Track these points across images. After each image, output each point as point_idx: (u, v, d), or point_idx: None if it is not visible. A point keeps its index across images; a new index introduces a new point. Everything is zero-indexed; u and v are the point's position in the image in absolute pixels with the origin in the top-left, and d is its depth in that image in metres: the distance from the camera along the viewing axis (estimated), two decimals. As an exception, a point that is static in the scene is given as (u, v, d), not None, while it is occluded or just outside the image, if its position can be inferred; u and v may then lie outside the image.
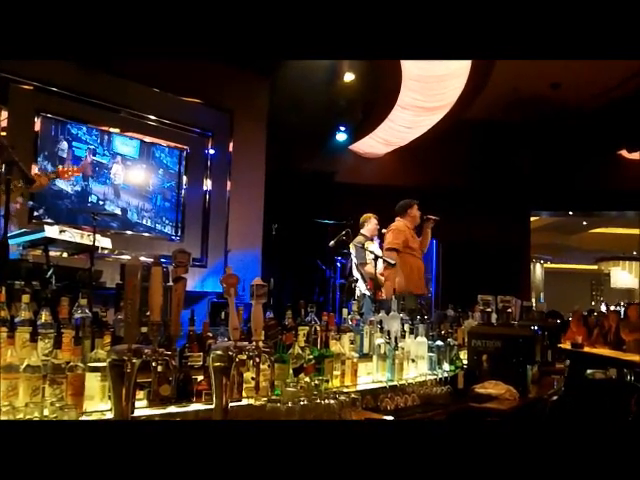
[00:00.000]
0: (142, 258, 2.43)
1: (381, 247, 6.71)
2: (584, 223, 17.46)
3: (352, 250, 6.43)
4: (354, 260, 6.54)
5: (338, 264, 6.67)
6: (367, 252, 6.12)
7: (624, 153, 11.84)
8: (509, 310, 4.60)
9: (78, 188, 7.42)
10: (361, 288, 6.26)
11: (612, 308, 14.41)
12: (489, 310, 4.66)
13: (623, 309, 13.72)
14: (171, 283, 2.41)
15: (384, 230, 6.63)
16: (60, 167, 4.54)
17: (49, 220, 6.73)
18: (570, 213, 14.89)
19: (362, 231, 6.55)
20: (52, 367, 2.11)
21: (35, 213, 6.89)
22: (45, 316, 2.30)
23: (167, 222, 8.37)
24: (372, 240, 6.49)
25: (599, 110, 10.50)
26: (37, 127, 7.08)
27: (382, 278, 6.29)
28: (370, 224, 6.54)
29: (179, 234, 8.44)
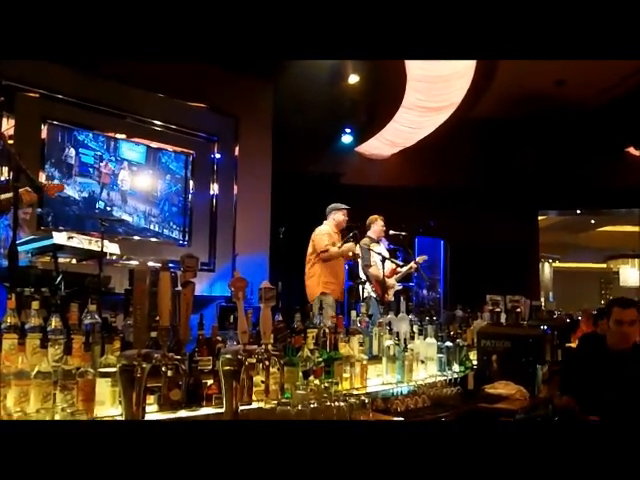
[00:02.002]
0: (150, 263, 2.44)
1: (388, 249, 6.71)
2: (592, 221, 17.38)
3: (358, 252, 6.41)
4: (360, 262, 6.52)
5: (346, 266, 6.64)
6: (372, 254, 6.12)
7: (631, 150, 11.78)
8: (518, 310, 4.58)
9: (85, 195, 7.45)
10: (368, 290, 6.25)
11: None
12: (498, 310, 4.65)
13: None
14: (180, 288, 2.41)
15: (391, 232, 6.63)
16: (46, 183, 4.66)
17: (58, 227, 6.75)
18: (578, 212, 14.83)
19: (368, 233, 6.54)
20: (62, 373, 2.12)
21: (43, 220, 6.92)
22: (55, 322, 2.31)
23: (174, 227, 8.39)
24: (378, 242, 6.48)
25: (605, 107, 10.45)
26: (44, 134, 7.11)
27: (389, 280, 6.28)
28: (376, 226, 6.52)
29: (187, 239, 8.45)
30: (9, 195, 3.75)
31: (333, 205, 6.09)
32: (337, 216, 6.00)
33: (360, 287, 6.30)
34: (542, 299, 14.47)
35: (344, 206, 6.05)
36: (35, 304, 2.30)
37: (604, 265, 21.19)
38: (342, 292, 5.94)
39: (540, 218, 13.62)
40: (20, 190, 3.80)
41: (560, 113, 10.82)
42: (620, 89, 9.93)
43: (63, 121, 7.30)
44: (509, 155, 11.53)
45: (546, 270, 20.58)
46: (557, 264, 21.58)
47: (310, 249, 5.92)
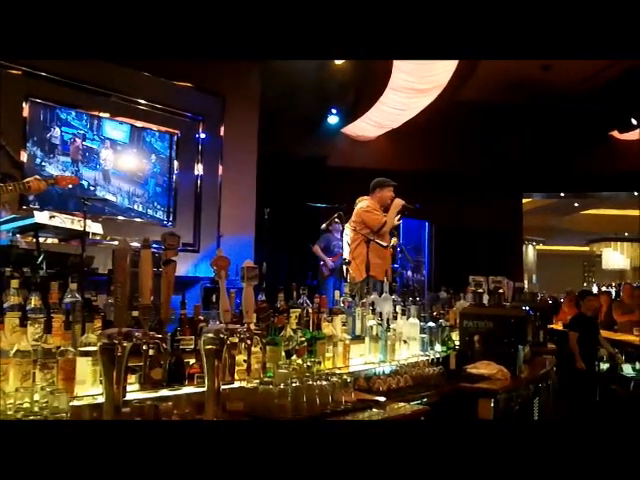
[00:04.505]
0: (133, 244, 2.42)
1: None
2: (576, 204, 17.50)
3: (347, 231, 6.38)
4: (347, 241, 6.51)
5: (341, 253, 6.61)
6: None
7: (615, 134, 11.84)
8: (500, 291, 4.61)
9: (68, 174, 7.35)
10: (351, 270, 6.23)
11: (603, 289, 14.49)
12: (481, 291, 4.67)
13: (614, 290, 13.84)
14: (161, 267, 2.40)
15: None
16: (59, 175, 4.70)
17: (40, 206, 6.67)
18: (562, 195, 14.93)
19: None
20: (42, 352, 2.11)
21: (25, 199, 6.83)
22: (35, 301, 2.29)
23: (159, 207, 8.33)
24: None
25: (590, 91, 10.47)
26: (26, 112, 7.00)
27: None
28: None
29: (171, 219, 8.40)
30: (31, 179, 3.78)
31: (379, 180, 5.76)
32: (383, 192, 5.68)
33: (344, 267, 6.30)
34: (525, 281, 14.63)
35: (392, 182, 5.72)
36: (14, 282, 2.27)
37: (587, 248, 21.43)
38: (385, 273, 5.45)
39: (524, 201, 13.71)
40: (29, 178, 3.81)
41: (545, 97, 10.83)
42: (605, 74, 9.95)
43: (46, 99, 7.19)
44: (494, 138, 11.55)
45: (530, 253, 20.76)
46: (541, 247, 21.77)
47: (355, 228, 5.59)
